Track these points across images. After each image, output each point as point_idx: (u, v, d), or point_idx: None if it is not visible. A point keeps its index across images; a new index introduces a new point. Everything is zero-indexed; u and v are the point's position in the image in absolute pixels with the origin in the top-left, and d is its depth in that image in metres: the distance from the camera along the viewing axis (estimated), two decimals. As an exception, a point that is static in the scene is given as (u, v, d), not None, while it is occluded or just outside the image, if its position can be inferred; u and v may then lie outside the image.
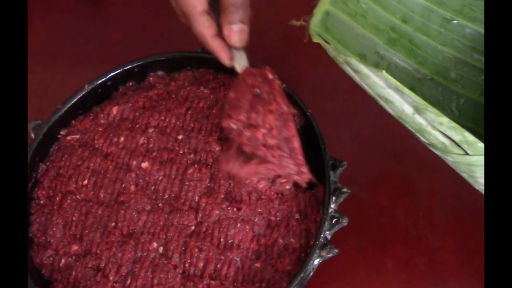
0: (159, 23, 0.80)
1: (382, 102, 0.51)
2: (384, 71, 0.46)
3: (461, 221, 0.64)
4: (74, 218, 0.59)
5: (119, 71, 0.66)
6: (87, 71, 0.69)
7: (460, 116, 0.61)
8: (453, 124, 0.44)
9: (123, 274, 0.56)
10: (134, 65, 0.66)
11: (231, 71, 0.66)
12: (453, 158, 0.49)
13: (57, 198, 0.60)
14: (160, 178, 0.60)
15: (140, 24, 0.80)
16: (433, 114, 0.45)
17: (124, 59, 0.67)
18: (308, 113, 0.61)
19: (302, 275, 0.54)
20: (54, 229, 0.59)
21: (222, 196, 0.59)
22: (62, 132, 0.64)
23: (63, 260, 0.58)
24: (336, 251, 0.55)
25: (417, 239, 0.63)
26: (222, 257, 0.56)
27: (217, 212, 0.58)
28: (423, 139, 0.51)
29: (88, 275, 0.57)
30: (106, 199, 0.60)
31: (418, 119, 0.47)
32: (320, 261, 0.55)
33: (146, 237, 0.58)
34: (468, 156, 0.46)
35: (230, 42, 0.55)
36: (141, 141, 0.62)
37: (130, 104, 0.65)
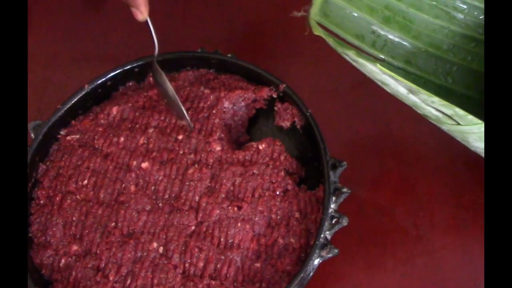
0: (159, 23, 0.80)
1: (379, 83, 0.54)
2: (378, 64, 0.50)
3: (461, 221, 0.64)
4: (74, 218, 0.59)
5: (119, 71, 0.66)
6: (87, 71, 0.69)
7: (453, 83, 0.65)
8: (444, 102, 0.49)
9: (123, 274, 0.56)
10: (134, 65, 0.66)
11: (231, 71, 0.67)
12: (447, 127, 0.53)
13: (57, 198, 0.60)
14: (160, 178, 0.60)
15: (140, 24, 0.80)
16: (425, 95, 0.49)
17: (124, 59, 0.67)
18: (308, 113, 0.61)
19: (302, 275, 0.54)
20: (54, 229, 0.59)
21: (223, 195, 0.59)
22: (62, 132, 0.64)
23: (63, 260, 0.58)
24: (336, 251, 0.55)
25: (417, 239, 0.63)
26: (222, 257, 0.56)
27: (218, 211, 0.58)
28: (418, 111, 0.55)
29: (88, 275, 0.57)
30: (106, 199, 0.60)
31: (413, 98, 0.51)
32: (320, 261, 0.55)
33: (146, 237, 0.57)
34: (460, 126, 0.51)
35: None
36: (141, 141, 0.62)
37: (130, 104, 0.65)
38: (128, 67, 0.66)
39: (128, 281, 0.56)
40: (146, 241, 0.57)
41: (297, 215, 0.58)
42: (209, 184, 0.60)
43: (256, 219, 0.58)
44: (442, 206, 0.65)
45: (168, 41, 0.77)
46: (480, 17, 0.64)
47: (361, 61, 0.52)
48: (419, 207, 0.65)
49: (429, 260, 0.62)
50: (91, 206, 0.59)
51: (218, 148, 0.61)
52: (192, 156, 0.61)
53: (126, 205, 0.59)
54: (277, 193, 0.59)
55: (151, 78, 0.68)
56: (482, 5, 0.64)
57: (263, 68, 0.65)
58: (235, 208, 0.58)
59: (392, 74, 0.50)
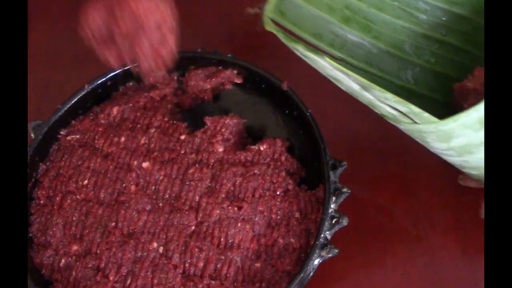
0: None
1: (332, 80, 0.53)
2: (327, 58, 0.48)
3: (461, 221, 0.64)
4: (74, 218, 0.59)
5: (119, 71, 0.66)
6: (87, 71, 0.68)
7: (415, 84, 0.63)
8: (398, 98, 0.47)
9: (123, 274, 0.56)
10: (134, 65, 0.66)
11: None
12: (405, 127, 0.51)
13: (57, 198, 0.60)
14: (160, 178, 0.60)
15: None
16: (378, 91, 0.47)
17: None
18: (308, 113, 0.61)
19: (302, 275, 0.54)
20: (54, 229, 0.59)
21: (223, 195, 0.59)
22: (62, 132, 0.64)
23: (63, 260, 0.58)
24: (336, 251, 0.55)
25: (417, 239, 0.63)
26: (222, 257, 0.56)
27: (218, 211, 0.58)
28: (375, 110, 0.53)
29: (88, 275, 0.57)
30: (106, 199, 0.60)
31: (367, 95, 0.50)
32: (320, 261, 0.55)
33: (146, 237, 0.57)
34: (417, 125, 0.48)
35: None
36: (142, 141, 0.62)
37: (131, 104, 0.65)
38: (128, 67, 0.66)
39: (128, 281, 0.56)
40: (146, 241, 0.57)
41: (297, 215, 0.58)
42: (209, 184, 0.60)
43: (256, 219, 0.58)
44: (442, 206, 0.65)
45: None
46: (443, 18, 0.62)
47: (312, 56, 0.50)
48: (419, 207, 0.65)
49: (429, 260, 0.62)
50: (91, 206, 0.59)
51: (221, 149, 0.61)
52: (193, 156, 0.61)
53: (127, 205, 0.59)
54: (278, 193, 0.59)
55: (151, 78, 0.67)
56: (445, 6, 0.62)
57: (263, 68, 0.65)
58: (235, 208, 0.58)
59: (342, 68, 0.48)
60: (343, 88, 0.52)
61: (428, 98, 0.63)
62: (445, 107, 0.62)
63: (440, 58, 0.63)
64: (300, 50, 0.50)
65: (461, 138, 0.48)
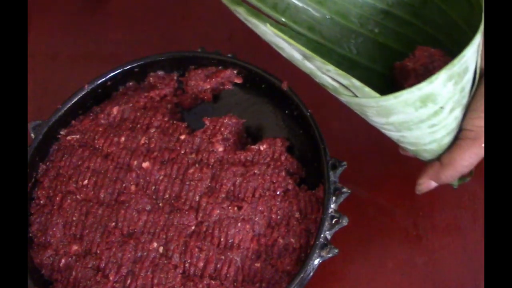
0: (159, 23, 0.80)
1: (274, 46, 0.51)
2: (268, 24, 0.46)
3: (461, 221, 0.64)
4: (74, 218, 0.59)
5: (119, 71, 0.66)
6: (87, 71, 0.69)
7: (357, 54, 0.62)
8: (339, 71, 0.46)
9: (123, 274, 0.56)
10: (134, 65, 0.66)
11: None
12: (345, 99, 0.50)
13: (57, 198, 0.60)
14: (160, 178, 0.60)
15: (140, 24, 0.80)
16: (320, 62, 0.46)
17: (124, 59, 0.67)
18: (308, 113, 0.61)
19: (302, 275, 0.54)
20: (54, 229, 0.59)
21: (223, 195, 0.59)
22: (62, 132, 0.64)
23: (63, 260, 0.58)
24: (336, 251, 0.55)
25: (417, 239, 0.63)
26: (222, 257, 0.56)
27: (218, 211, 0.58)
28: (316, 80, 0.52)
29: (88, 275, 0.57)
30: (106, 199, 0.60)
31: (308, 65, 0.48)
32: (320, 261, 0.55)
33: (146, 237, 0.58)
34: (358, 98, 0.48)
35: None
36: (142, 141, 0.62)
37: (131, 104, 0.65)
38: (128, 67, 0.66)
39: (128, 281, 0.56)
40: (146, 241, 0.57)
41: (297, 215, 0.58)
42: (209, 184, 0.60)
43: (256, 219, 0.58)
44: (442, 206, 0.65)
45: (168, 41, 0.78)
46: None
47: (253, 20, 0.48)
48: (419, 207, 0.65)
49: (429, 260, 0.62)
50: (91, 206, 0.59)
51: (221, 149, 0.61)
52: (193, 155, 0.61)
53: (126, 205, 0.59)
54: (278, 193, 0.59)
55: (151, 78, 0.68)
56: None
57: (263, 68, 0.65)
58: (235, 208, 0.58)
59: (284, 36, 0.46)
60: (285, 56, 0.51)
61: (370, 69, 0.62)
62: (386, 79, 0.61)
63: (384, 29, 0.61)
64: (242, 14, 0.48)
65: (401, 115, 0.48)
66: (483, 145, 0.50)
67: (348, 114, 0.70)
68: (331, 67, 0.46)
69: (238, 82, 0.66)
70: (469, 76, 0.48)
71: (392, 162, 0.67)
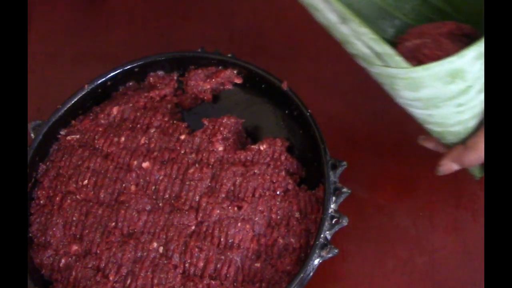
0: (159, 23, 0.80)
1: (311, 9, 0.50)
2: None
3: (461, 221, 0.64)
4: (74, 218, 0.59)
5: (119, 71, 0.66)
6: (87, 71, 0.69)
7: (393, 37, 0.61)
8: (375, 35, 0.46)
9: (123, 274, 0.56)
10: (134, 65, 0.66)
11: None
12: (376, 70, 0.50)
13: (57, 198, 0.60)
14: (160, 178, 0.60)
15: (140, 24, 0.80)
16: (357, 24, 0.46)
17: (124, 59, 0.67)
18: (308, 113, 0.61)
19: (302, 275, 0.54)
20: (54, 229, 0.59)
21: (223, 195, 0.59)
22: (62, 132, 0.64)
23: (63, 260, 0.58)
24: (336, 251, 0.55)
25: (417, 239, 0.63)
26: (222, 257, 0.56)
27: (218, 211, 0.58)
28: (348, 49, 0.51)
29: (88, 275, 0.57)
30: (106, 199, 0.60)
31: (343, 29, 0.48)
32: (320, 261, 0.55)
33: (146, 237, 0.58)
34: (389, 68, 0.48)
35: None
36: (142, 141, 0.62)
37: (131, 104, 0.65)
38: (128, 67, 0.66)
39: (128, 281, 0.56)
40: (146, 241, 0.57)
41: (297, 215, 0.58)
42: (209, 184, 0.60)
43: (256, 219, 0.58)
44: (442, 206, 0.65)
45: (168, 41, 0.78)
46: None
47: None
48: (419, 207, 0.65)
49: (429, 260, 0.62)
50: (91, 206, 0.59)
51: (220, 148, 0.61)
52: (193, 155, 0.61)
53: (126, 205, 0.59)
54: (278, 193, 0.59)
55: (151, 78, 0.68)
56: None
57: (263, 68, 0.65)
58: (235, 208, 0.58)
59: None
60: (319, 19, 0.50)
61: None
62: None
63: (419, 15, 0.61)
64: None
65: (429, 89, 0.48)
66: None
67: (348, 114, 0.71)
68: (366, 30, 0.45)
69: (238, 82, 0.66)
70: None
71: (392, 162, 0.67)
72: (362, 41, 0.47)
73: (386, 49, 0.46)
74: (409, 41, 0.57)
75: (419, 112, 0.53)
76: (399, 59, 0.46)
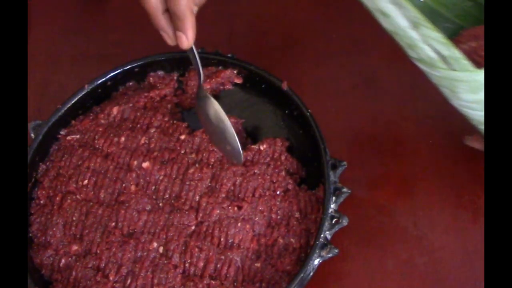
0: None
1: (378, 15, 0.52)
2: None
3: (461, 221, 0.64)
4: (74, 218, 0.59)
5: (119, 71, 0.66)
6: (87, 71, 0.69)
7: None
8: (445, 40, 0.47)
9: (123, 274, 0.56)
10: (134, 65, 0.66)
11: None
12: (439, 73, 0.51)
13: (57, 198, 0.60)
14: (161, 178, 0.60)
15: (140, 24, 0.80)
16: (428, 29, 0.47)
17: (124, 59, 0.67)
18: (308, 113, 0.61)
19: (302, 275, 0.54)
20: (54, 229, 0.59)
21: (223, 195, 0.59)
22: (62, 132, 0.64)
23: (63, 260, 0.58)
24: (336, 251, 0.55)
25: (417, 239, 0.63)
26: (222, 257, 0.56)
27: (218, 211, 0.58)
28: (412, 54, 0.52)
29: (88, 275, 0.57)
30: (106, 199, 0.60)
31: (412, 33, 0.49)
32: (320, 261, 0.55)
33: (146, 237, 0.58)
34: (453, 72, 0.49)
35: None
36: (142, 141, 0.62)
37: (131, 104, 0.65)
38: (128, 67, 0.66)
39: (128, 281, 0.56)
40: (146, 241, 0.57)
41: (297, 215, 0.58)
42: (209, 184, 0.60)
43: (256, 219, 0.58)
44: (442, 206, 0.65)
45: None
46: None
47: None
48: (419, 207, 0.65)
49: (429, 260, 0.62)
50: (91, 206, 0.59)
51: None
52: (193, 155, 0.61)
53: (127, 205, 0.59)
54: (278, 193, 0.59)
55: (151, 78, 0.68)
56: None
57: (263, 68, 0.65)
58: (235, 208, 0.58)
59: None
60: (385, 24, 0.51)
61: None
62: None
63: (470, 17, 0.63)
64: None
65: None
66: None
67: (348, 114, 0.71)
68: (438, 35, 0.47)
69: (238, 82, 0.66)
70: None
71: (392, 162, 0.67)
72: (430, 45, 0.49)
73: (455, 53, 0.47)
74: (464, 43, 0.58)
75: (476, 113, 0.53)
76: (466, 63, 0.47)
